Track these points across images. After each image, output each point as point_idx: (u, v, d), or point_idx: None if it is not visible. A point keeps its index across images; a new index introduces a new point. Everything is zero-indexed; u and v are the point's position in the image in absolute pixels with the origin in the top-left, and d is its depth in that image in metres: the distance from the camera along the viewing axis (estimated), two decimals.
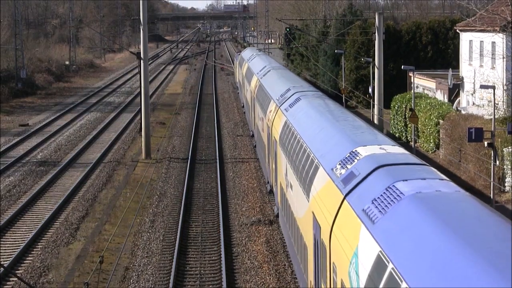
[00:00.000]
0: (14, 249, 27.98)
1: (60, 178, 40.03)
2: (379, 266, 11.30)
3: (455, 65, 56.42)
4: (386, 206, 12.69)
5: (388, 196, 12.99)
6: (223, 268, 25.25)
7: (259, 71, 49.69)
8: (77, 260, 26.78)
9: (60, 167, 42.20)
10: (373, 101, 46.84)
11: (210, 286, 24.43)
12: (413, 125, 40.36)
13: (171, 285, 23.91)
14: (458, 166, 38.81)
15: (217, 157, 44.52)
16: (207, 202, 34.86)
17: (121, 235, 29.17)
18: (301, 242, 20.33)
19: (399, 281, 10.12)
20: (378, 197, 13.26)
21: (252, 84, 49.67)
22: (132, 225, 30.22)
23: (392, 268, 10.65)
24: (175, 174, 40.69)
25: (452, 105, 48.23)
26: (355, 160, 16.11)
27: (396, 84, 60.82)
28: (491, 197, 31.07)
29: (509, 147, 33.60)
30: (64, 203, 34.43)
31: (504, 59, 44.27)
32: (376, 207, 12.95)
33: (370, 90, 52.03)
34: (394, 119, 50.44)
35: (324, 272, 15.98)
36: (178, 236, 28.63)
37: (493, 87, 31.27)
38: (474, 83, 49.95)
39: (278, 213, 29.89)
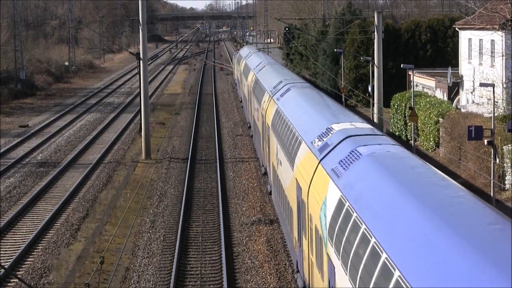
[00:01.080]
0: (15, 250, 27.99)
1: (60, 179, 40.03)
2: (339, 206, 15.12)
3: (455, 64, 56.41)
4: (348, 164, 16.44)
5: (351, 157, 16.73)
6: (224, 268, 25.26)
7: (255, 67, 53.50)
8: (77, 261, 26.78)
9: (60, 168, 42.20)
10: (373, 100, 46.84)
11: (211, 286, 24.44)
12: (412, 123, 40.36)
13: (171, 285, 23.92)
14: (458, 164, 38.82)
15: (217, 157, 44.53)
16: (207, 202, 34.86)
17: (121, 235, 29.18)
18: (288, 207, 24.15)
19: (352, 213, 14.09)
20: (344, 159, 17.02)
21: (249, 79, 53.21)
22: (132, 225, 30.23)
23: (348, 205, 14.47)
24: (175, 174, 40.70)
25: (452, 104, 48.23)
26: (329, 134, 19.86)
27: (395, 82, 60.81)
28: (491, 195, 31.07)
29: (509, 145, 33.61)
30: (64, 204, 34.44)
31: (504, 57, 44.28)
32: (341, 165, 16.71)
33: (369, 89, 52.02)
34: (393, 117, 50.44)
35: (304, 224, 19.82)
36: (178, 236, 28.64)
37: (493, 85, 31.27)
38: (473, 81, 49.95)
39: (271, 191, 33.27)
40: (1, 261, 26.73)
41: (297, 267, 22.81)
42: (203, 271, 25.70)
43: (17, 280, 24.56)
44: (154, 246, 28.30)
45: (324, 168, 17.86)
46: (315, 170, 18.75)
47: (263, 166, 37.74)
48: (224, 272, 24.88)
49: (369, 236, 12.59)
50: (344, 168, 16.44)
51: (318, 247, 17.33)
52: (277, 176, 28.12)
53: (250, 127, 52.26)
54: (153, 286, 24.32)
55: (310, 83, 46.37)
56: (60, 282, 24.77)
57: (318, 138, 20.49)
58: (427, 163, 15.90)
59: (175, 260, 26.03)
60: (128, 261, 26.64)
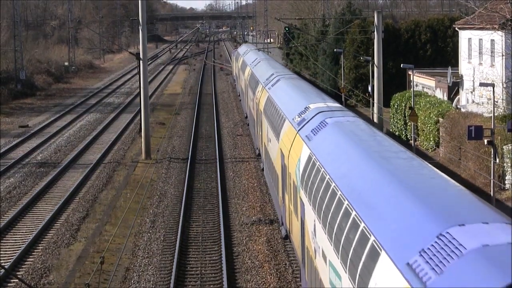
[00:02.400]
0: (15, 250, 27.99)
1: (60, 179, 40.04)
2: (309, 160, 20.07)
3: (454, 63, 56.41)
4: (318, 131, 21.19)
5: (320, 126, 21.34)
6: (224, 268, 25.26)
7: (251, 62, 58.89)
8: (78, 261, 26.79)
9: (60, 168, 42.21)
10: (373, 99, 46.83)
11: (211, 286, 24.44)
12: (412, 123, 40.36)
13: (172, 285, 23.92)
14: (458, 164, 38.82)
15: (217, 157, 44.53)
16: (207, 202, 34.87)
17: (121, 235, 29.18)
18: (275, 174, 29.37)
19: (317, 163, 18.76)
20: (314, 128, 21.73)
21: (246, 73, 58.55)
22: (132, 225, 30.23)
23: (314, 158, 19.35)
24: (175, 174, 40.70)
25: (452, 103, 48.23)
26: (306, 112, 24.77)
27: (395, 82, 60.81)
28: (491, 194, 31.07)
29: (509, 145, 33.61)
30: (64, 204, 34.44)
31: (503, 57, 44.27)
32: (312, 132, 21.44)
33: (369, 88, 52.00)
34: (393, 117, 50.44)
35: (286, 183, 24.99)
36: (178, 236, 28.64)
37: (493, 85, 31.26)
38: (473, 81, 49.94)
39: (263, 168, 38.28)
40: (1, 261, 26.73)
41: (281, 221, 27.82)
42: (203, 271, 25.71)
43: (17, 280, 24.56)
44: (154, 246, 28.30)
45: (300, 136, 22.76)
46: (294, 139, 23.63)
47: (257, 148, 42.14)
48: (224, 272, 24.88)
49: (325, 175, 17.35)
50: (314, 134, 21.24)
51: (294, 195, 22.28)
52: (268, 152, 33.45)
53: (247, 117, 57.05)
54: (153, 286, 24.32)
55: (309, 81, 49.31)
56: (60, 282, 24.77)
57: (298, 115, 25.37)
58: (375, 128, 21.05)
59: (175, 260, 26.04)
60: (128, 261, 26.65)
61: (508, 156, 33.68)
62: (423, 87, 57.29)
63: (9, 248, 28.48)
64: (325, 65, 72.11)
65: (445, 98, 51.88)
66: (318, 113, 23.28)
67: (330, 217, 15.48)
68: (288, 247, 27.30)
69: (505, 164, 34.12)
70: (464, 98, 52.20)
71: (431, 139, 43.51)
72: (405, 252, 10.56)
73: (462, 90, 52.64)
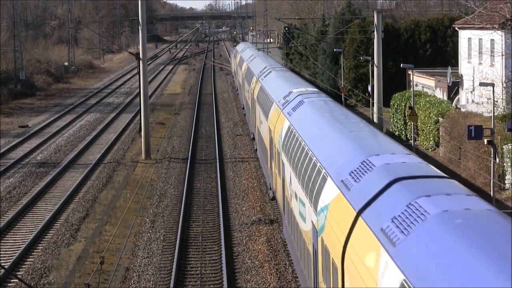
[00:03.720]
0: (15, 250, 27.99)
1: (60, 179, 40.04)
2: (288, 129, 25.41)
3: (454, 63, 56.40)
4: (296, 108, 26.14)
5: (298, 105, 25.96)
6: (224, 268, 25.26)
7: (247, 58, 65.13)
8: (77, 261, 26.79)
9: (60, 168, 42.21)
10: (373, 99, 46.84)
11: (211, 285, 24.44)
12: (412, 123, 40.35)
13: (171, 285, 23.92)
14: (458, 164, 38.82)
15: (217, 157, 44.53)
16: (207, 202, 34.87)
17: (121, 235, 29.18)
18: (264, 148, 35.18)
19: (293, 131, 23.77)
20: (294, 106, 26.68)
21: (243, 68, 64.19)
22: (132, 225, 30.23)
23: (292, 128, 24.46)
24: (175, 174, 40.70)
25: (452, 103, 48.22)
26: (289, 95, 30.23)
27: (395, 82, 60.79)
28: (491, 194, 31.07)
29: (509, 145, 33.60)
30: (64, 204, 34.44)
31: (503, 57, 44.27)
32: (292, 110, 26.41)
33: (369, 88, 51.99)
34: (393, 117, 50.43)
35: (272, 153, 30.24)
36: (178, 236, 28.64)
37: (492, 85, 31.26)
38: (473, 80, 49.94)
39: (256, 148, 43.45)
40: (1, 261, 26.73)
41: (270, 186, 33.58)
42: (203, 271, 25.71)
43: (17, 280, 24.56)
44: (154, 246, 28.30)
45: (283, 113, 28.18)
46: (279, 116, 28.45)
47: (252, 133, 45.89)
48: (224, 272, 24.88)
49: (298, 138, 22.32)
50: (293, 111, 26.19)
51: (277, 159, 27.12)
52: (259, 132, 39.27)
53: (243, 108, 62.28)
54: (153, 286, 24.32)
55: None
56: (60, 282, 24.77)
57: (283, 98, 31.07)
58: (341, 106, 26.39)
59: (175, 260, 26.04)
60: (128, 261, 26.64)
61: (508, 155, 33.68)
62: (423, 87, 57.28)
63: (9, 248, 28.48)
64: (325, 65, 72.10)
65: (445, 97, 51.87)
66: (298, 95, 28.82)
67: (300, 165, 20.60)
68: (287, 247, 27.31)
69: (505, 164, 34.11)
70: (464, 97, 52.20)
71: (431, 139, 43.51)
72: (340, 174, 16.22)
73: (462, 89, 52.64)
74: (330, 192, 15.98)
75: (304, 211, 19.11)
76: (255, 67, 52.60)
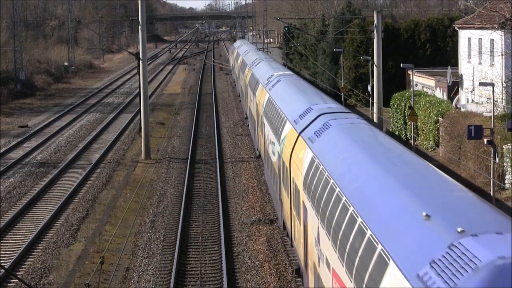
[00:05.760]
0: (15, 250, 27.99)
1: (60, 179, 40.04)
2: (269, 102, 33.60)
3: (454, 63, 56.39)
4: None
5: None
6: (224, 268, 25.26)
7: (243, 52, 75.47)
8: (77, 261, 26.79)
9: (60, 168, 42.21)
10: (372, 99, 46.83)
11: (211, 286, 24.45)
12: (412, 123, 40.36)
13: (171, 285, 23.92)
14: (458, 164, 38.82)
15: (217, 157, 44.53)
16: (207, 201, 34.87)
17: (121, 235, 29.19)
18: (254, 122, 42.96)
19: (275, 104, 31.08)
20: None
21: (239, 61, 74.28)
22: (132, 225, 30.24)
23: (272, 100, 32.52)
24: (175, 174, 40.70)
25: (451, 103, 48.22)
26: (271, 77, 39.29)
27: (395, 82, 60.80)
28: (491, 194, 31.08)
29: (509, 144, 33.61)
30: (64, 204, 34.44)
31: (503, 56, 44.27)
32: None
33: (369, 88, 52.01)
34: (393, 117, 50.43)
35: (260, 123, 37.29)
36: (178, 236, 28.64)
37: (492, 85, 31.27)
38: (473, 80, 49.94)
39: (248, 124, 50.92)
40: (1, 261, 26.74)
41: (258, 152, 42.55)
42: (203, 271, 25.71)
43: (17, 280, 24.56)
44: (154, 246, 28.31)
45: (265, 88, 36.73)
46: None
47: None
48: (224, 272, 24.88)
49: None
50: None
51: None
52: (249, 108, 48.66)
53: (239, 95, 71.00)
54: (153, 286, 24.32)
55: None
56: (60, 282, 24.78)
57: (266, 80, 39.63)
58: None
59: (175, 260, 26.04)
60: (128, 261, 26.65)
61: (508, 155, 33.68)
62: (422, 87, 57.28)
63: (9, 248, 28.48)
64: (325, 65, 72.10)
65: (445, 97, 51.87)
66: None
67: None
68: (288, 246, 27.31)
69: (504, 164, 34.12)
70: (463, 97, 52.20)
71: (431, 138, 43.51)
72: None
73: (462, 89, 52.64)
74: (287, 128, 25.81)
75: (274, 148, 28.32)
76: (248, 59, 64.37)
